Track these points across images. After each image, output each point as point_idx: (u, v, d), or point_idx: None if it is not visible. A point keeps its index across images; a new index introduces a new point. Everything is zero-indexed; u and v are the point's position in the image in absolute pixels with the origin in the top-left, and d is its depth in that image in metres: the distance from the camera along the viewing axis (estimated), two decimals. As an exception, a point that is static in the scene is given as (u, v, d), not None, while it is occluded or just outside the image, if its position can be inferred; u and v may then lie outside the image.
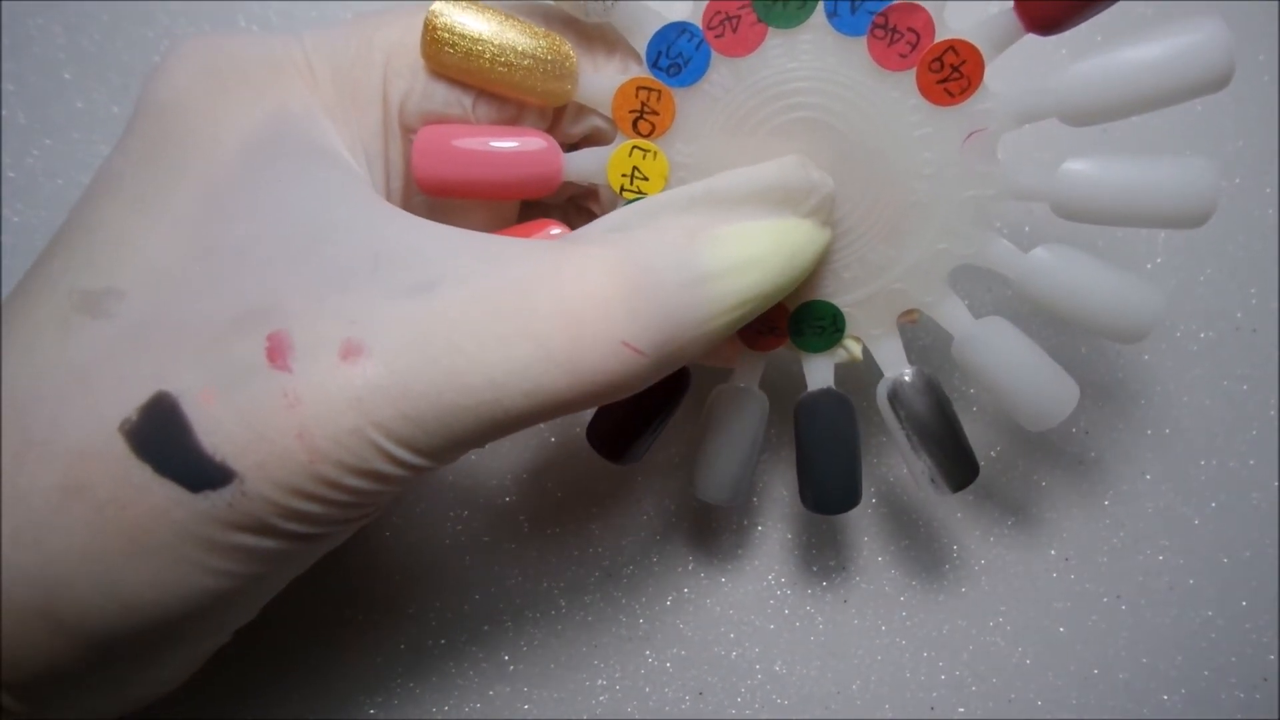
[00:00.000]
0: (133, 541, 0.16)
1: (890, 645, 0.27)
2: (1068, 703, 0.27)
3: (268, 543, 0.17)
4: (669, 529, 0.28)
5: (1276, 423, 0.28)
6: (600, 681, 0.27)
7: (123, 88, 0.28)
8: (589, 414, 0.27)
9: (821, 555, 0.28)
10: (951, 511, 0.28)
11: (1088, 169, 0.20)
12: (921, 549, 0.28)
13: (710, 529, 0.28)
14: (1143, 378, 0.28)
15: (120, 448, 0.16)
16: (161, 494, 0.16)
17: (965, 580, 0.27)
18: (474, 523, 0.28)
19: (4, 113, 0.28)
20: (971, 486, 0.26)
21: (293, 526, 0.17)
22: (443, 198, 0.21)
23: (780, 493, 0.28)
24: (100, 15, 0.28)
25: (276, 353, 0.16)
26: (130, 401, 0.16)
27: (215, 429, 0.16)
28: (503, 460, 0.28)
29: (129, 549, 0.16)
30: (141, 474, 0.16)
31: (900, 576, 0.27)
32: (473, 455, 0.28)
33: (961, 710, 0.27)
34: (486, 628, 0.27)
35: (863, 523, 0.28)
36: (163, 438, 0.16)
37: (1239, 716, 0.27)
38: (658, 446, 0.28)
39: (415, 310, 0.17)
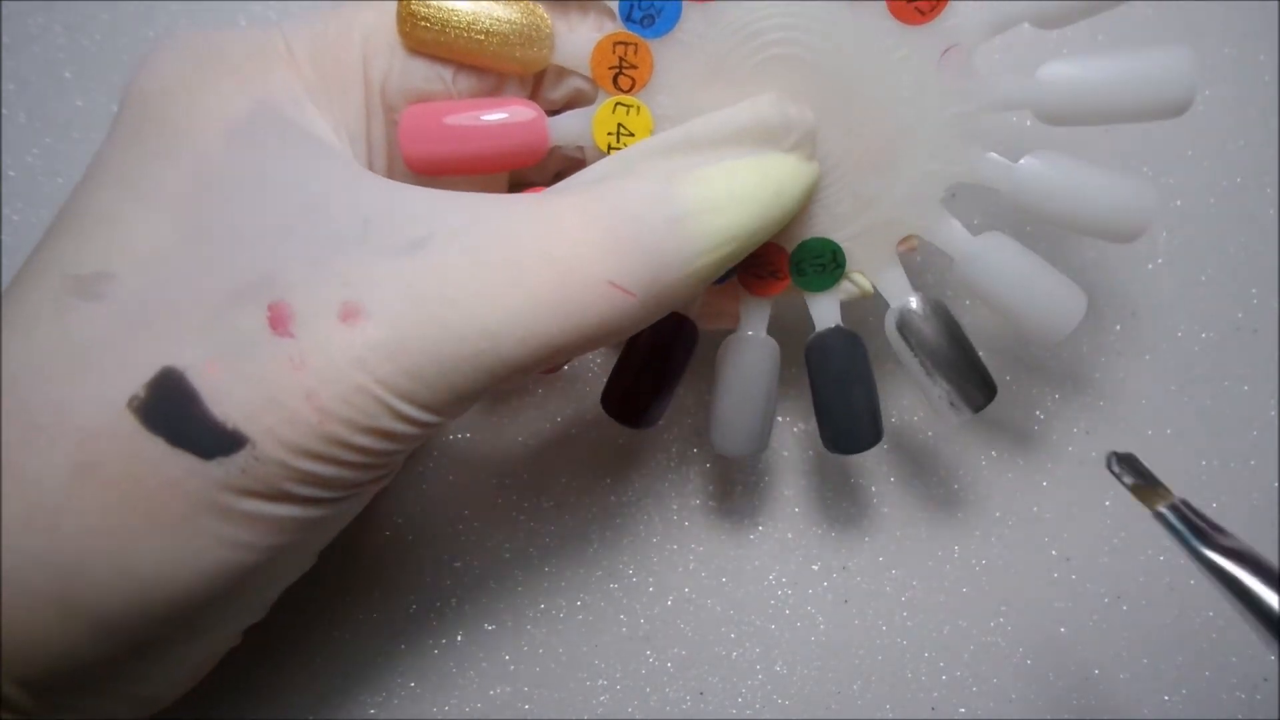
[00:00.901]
0: (149, 516, 0.16)
1: (891, 645, 0.27)
2: (1068, 703, 0.27)
3: (282, 509, 0.17)
4: (669, 528, 0.28)
5: (1276, 423, 0.28)
6: (601, 681, 0.27)
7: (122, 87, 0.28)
8: (592, 411, 0.27)
9: (822, 555, 0.28)
10: (952, 511, 0.28)
11: (1067, 69, 0.20)
12: (922, 549, 0.28)
13: (711, 528, 0.28)
14: (1143, 378, 0.28)
15: (130, 424, 0.16)
16: (176, 465, 0.16)
17: (965, 580, 0.27)
18: (474, 523, 0.28)
19: (4, 112, 0.28)
20: (972, 485, 0.26)
21: (306, 490, 0.17)
22: (432, 175, 0.21)
23: (781, 492, 0.28)
24: (100, 15, 0.28)
25: (278, 321, 0.17)
26: (135, 379, 0.17)
27: (224, 398, 0.17)
28: (503, 459, 0.28)
29: (145, 523, 0.16)
30: (154, 447, 0.16)
31: (900, 576, 0.27)
32: (474, 453, 0.28)
33: (962, 710, 0.27)
34: (487, 628, 0.27)
35: (863, 522, 0.28)
36: (173, 411, 0.17)
37: (1239, 716, 0.27)
38: (659, 446, 0.28)
39: (407, 268, 0.17)
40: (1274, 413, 0.28)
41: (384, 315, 0.17)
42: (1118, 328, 0.28)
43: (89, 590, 0.17)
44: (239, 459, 0.17)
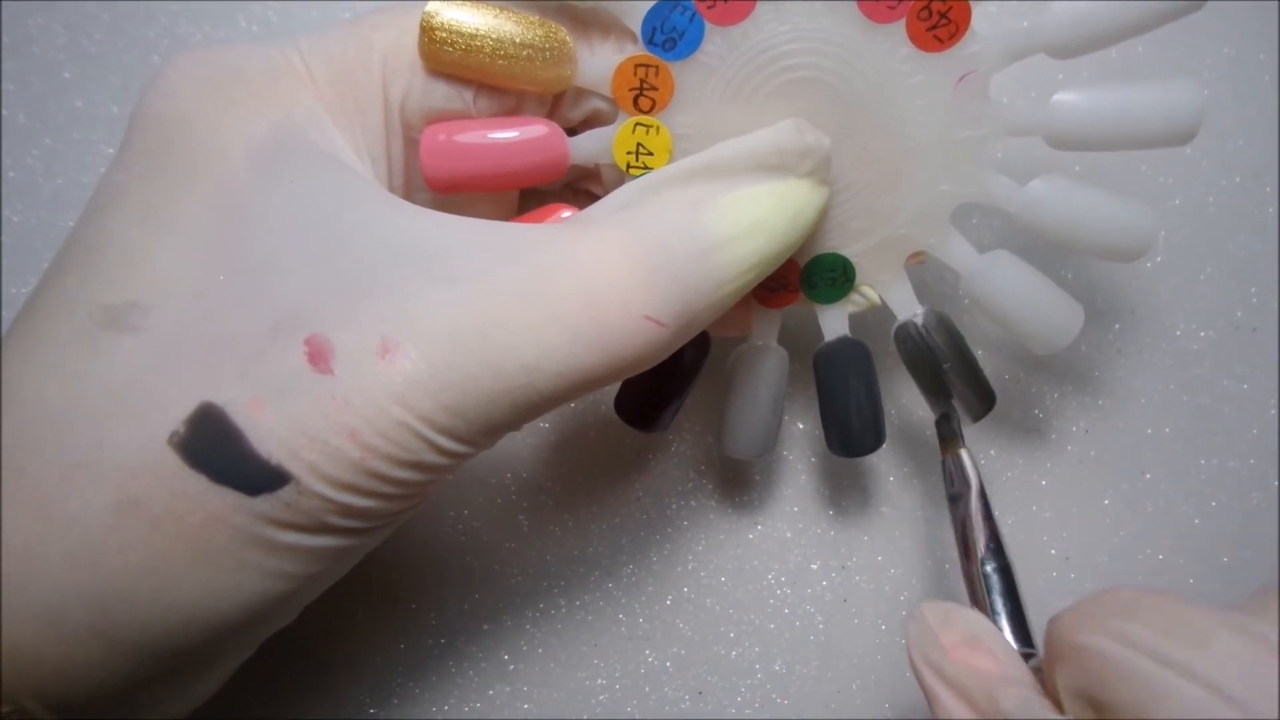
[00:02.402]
0: (193, 551, 0.17)
1: (890, 645, 0.27)
2: (1068, 702, 0.27)
3: (323, 540, 0.17)
4: (668, 528, 0.28)
5: (1276, 423, 0.28)
6: (600, 681, 0.27)
7: (123, 88, 0.28)
8: (591, 411, 0.27)
9: (821, 554, 0.28)
10: (951, 511, 0.28)
11: (1078, 98, 0.21)
12: (921, 548, 0.28)
13: (710, 527, 0.28)
14: (1143, 377, 0.28)
15: (172, 461, 0.16)
16: (220, 501, 0.17)
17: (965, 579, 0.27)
18: (474, 523, 0.28)
19: (4, 112, 0.28)
20: (972, 485, 0.26)
21: (347, 522, 0.17)
22: (451, 193, 0.21)
23: (781, 492, 0.28)
24: (100, 15, 0.28)
25: (317, 357, 0.17)
26: (174, 416, 0.17)
27: (268, 435, 0.17)
28: (502, 460, 0.28)
29: (190, 558, 0.17)
30: (197, 484, 0.16)
31: (900, 576, 0.27)
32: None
33: (961, 710, 0.27)
34: (486, 627, 0.27)
35: (862, 522, 0.28)
36: (215, 447, 0.17)
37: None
38: (658, 446, 0.28)
39: (445, 303, 0.17)
40: (1274, 412, 0.28)
41: (423, 351, 0.17)
42: (1117, 326, 0.28)
43: (132, 623, 0.17)
44: (283, 495, 0.17)
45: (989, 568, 0.22)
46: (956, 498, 0.23)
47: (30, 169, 0.28)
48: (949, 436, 0.23)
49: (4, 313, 0.28)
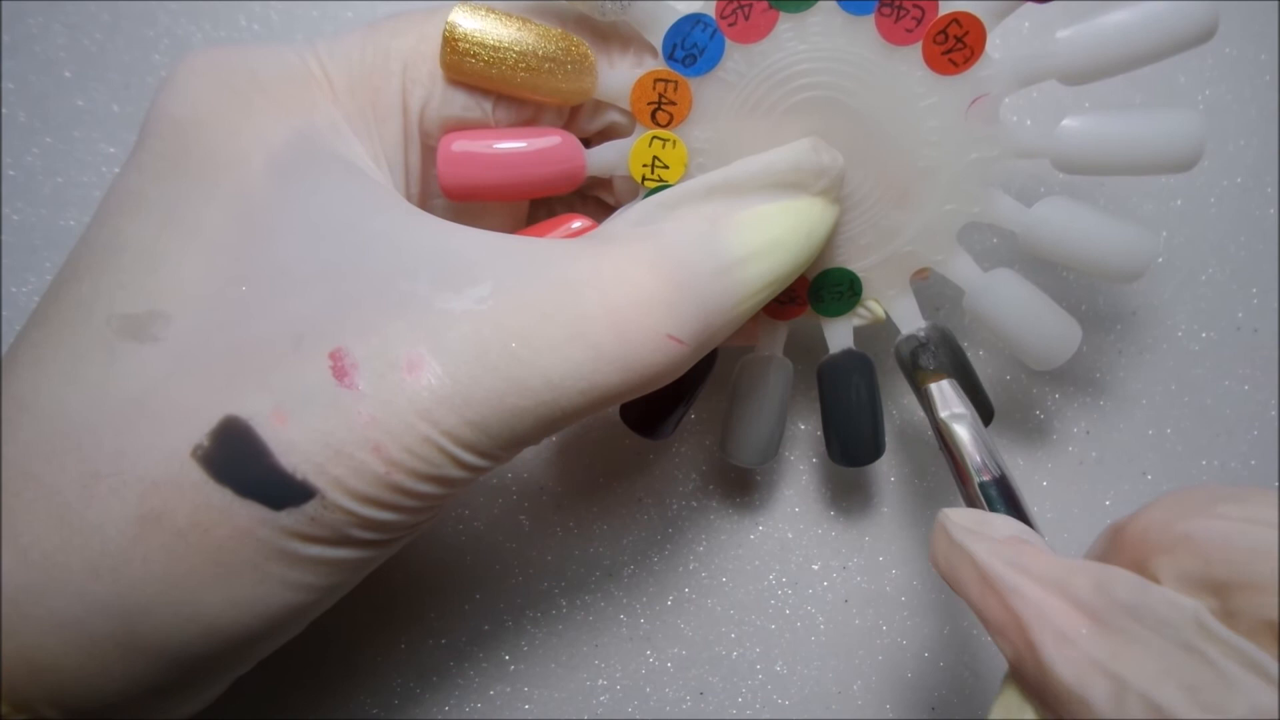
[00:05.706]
0: (216, 563, 0.17)
1: (891, 645, 0.27)
2: (1068, 703, 0.27)
3: (344, 552, 0.17)
4: (669, 529, 0.28)
5: (1276, 423, 0.28)
6: (601, 681, 0.27)
7: (123, 86, 0.28)
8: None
9: (822, 555, 0.28)
10: (952, 511, 0.28)
11: (1084, 124, 0.21)
12: (922, 549, 0.28)
13: (711, 528, 0.28)
14: (1143, 378, 0.28)
15: (196, 474, 0.16)
16: (245, 515, 0.16)
17: (966, 580, 0.27)
18: (475, 523, 0.28)
19: (4, 111, 0.28)
20: (972, 486, 0.26)
21: (368, 534, 0.17)
22: (467, 201, 0.21)
23: (782, 493, 0.28)
24: (101, 14, 0.28)
25: (341, 371, 0.17)
26: (198, 428, 0.17)
27: (291, 449, 0.17)
28: (503, 460, 0.28)
29: (212, 571, 0.17)
30: (222, 497, 0.16)
31: (901, 576, 0.27)
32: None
33: (963, 710, 0.27)
34: (487, 627, 0.27)
35: (863, 522, 0.28)
36: (240, 461, 0.16)
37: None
38: (659, 447, 0.28)
39: (470, 319, 0.17)
40: (1274, 413, 0.28)
41: (448, 366, 0.17)
42: (1118, 327, 0.28)
43: (153, 634, 0.17)
44: (308, 509, 0.17)
45: (992, 490, 0.21)
46: (950, 422, 0.22)
47: (30, 167, 0.28)
48: (931, 368, 0.23)
49: (4, 312, 0.28)
